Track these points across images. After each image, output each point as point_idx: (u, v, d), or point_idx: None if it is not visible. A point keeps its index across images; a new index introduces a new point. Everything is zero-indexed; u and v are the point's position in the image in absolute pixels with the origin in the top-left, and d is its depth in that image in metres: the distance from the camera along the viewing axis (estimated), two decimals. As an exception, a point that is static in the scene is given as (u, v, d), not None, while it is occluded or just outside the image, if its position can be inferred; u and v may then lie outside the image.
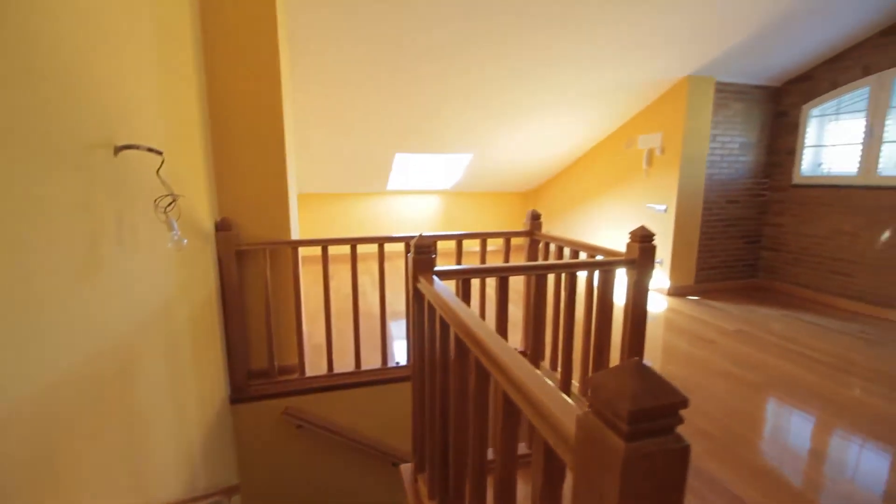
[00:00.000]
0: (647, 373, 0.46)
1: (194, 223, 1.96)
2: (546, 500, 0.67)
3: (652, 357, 3.07)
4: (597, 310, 1.96)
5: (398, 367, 2.69)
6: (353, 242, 2.56)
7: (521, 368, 0.72)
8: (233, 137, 2.34)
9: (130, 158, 1.31)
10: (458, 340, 1.09)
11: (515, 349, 2.58)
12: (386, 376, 2.61)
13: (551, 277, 2.35)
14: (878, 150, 3.79)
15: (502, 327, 1.77)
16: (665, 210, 4.42)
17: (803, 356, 3.03)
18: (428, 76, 3.69)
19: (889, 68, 3.67)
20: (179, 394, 1.70)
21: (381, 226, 6.39)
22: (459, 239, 2.76)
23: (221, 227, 2.27)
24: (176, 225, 1.46)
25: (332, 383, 2.59)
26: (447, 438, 1.34)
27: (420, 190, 6.48)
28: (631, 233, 1.89)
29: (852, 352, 3.09)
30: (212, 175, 2.30)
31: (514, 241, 2.90)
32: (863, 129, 3.88)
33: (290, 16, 2.79)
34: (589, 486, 0.49)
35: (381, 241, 2.58)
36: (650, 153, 4.54)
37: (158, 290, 1.54)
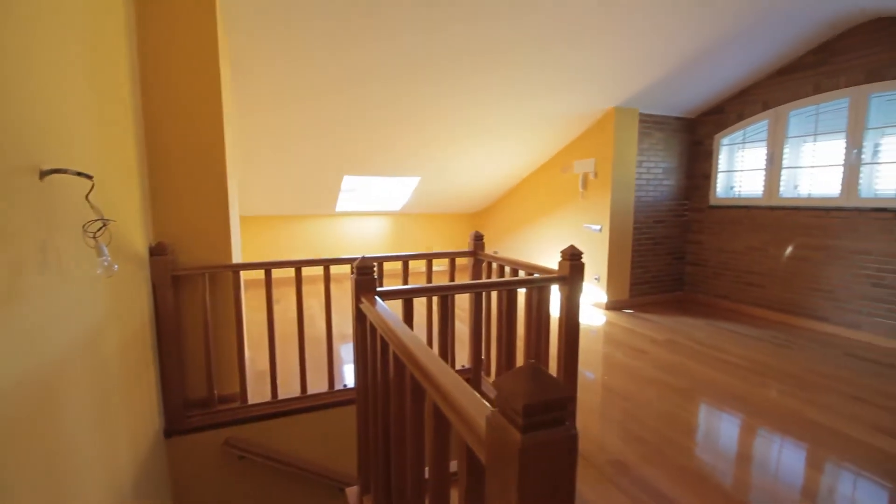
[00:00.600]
0: (539, 373, 0.54)
1: (127, 248, 1.89)
2: (471, 498, 0.73)
3: (592, 368, 3.23)
4: (534, 324, 2.07)
5: (345, 390, 2.67)
6: (298, 265, 2.54)
7: (446, 376, 0.79)
8: (171, 159, 2.30)
9: (58, 183, 1.28)
10: (395, 358, 1.14)
11: (463, 366, 2.64)
12: (333, 400, 2.58)
13: (494, 295, 2.46)
14: (779, 175, 4.28)
15: (445, 345, 1.83)
16: (600, 230, 4.72)
17: (725, 362, 3.31)
18: (374, 102, 3.78)
19: (784, 103, 4.19)
20: (108, 429, 1.61)
21: (330, 248, 6.33)
22: (405, 260, 2.82)
23: (156, 251, 2.20)
24: (106, 250, 1.42)
25: (277, 410, 2.53)
26: (389, 457, 1.37)
27: (369, 212, 6.50)
28: (562, 251, 2.03)
29: (765, 356, 3.42)
30: (147, 198, 2.23)
31: (459, 261, 3.00)
32: (765, 157, 4.37)
33: (232, 37, 2.80)
34: (497, 477, 0.56)
35: (326, 263, 2.59)
36: (585, 177, 4.86)
37: (86, 319, 1.48)
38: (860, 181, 3.72)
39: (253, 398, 2.60)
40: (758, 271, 4.48)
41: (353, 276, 1.64)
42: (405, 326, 1.15)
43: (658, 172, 4.84)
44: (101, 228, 1.43)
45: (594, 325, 4.23)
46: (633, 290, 4.91)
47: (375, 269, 2.36)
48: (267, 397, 2.59)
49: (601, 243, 4.72)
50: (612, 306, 4.76)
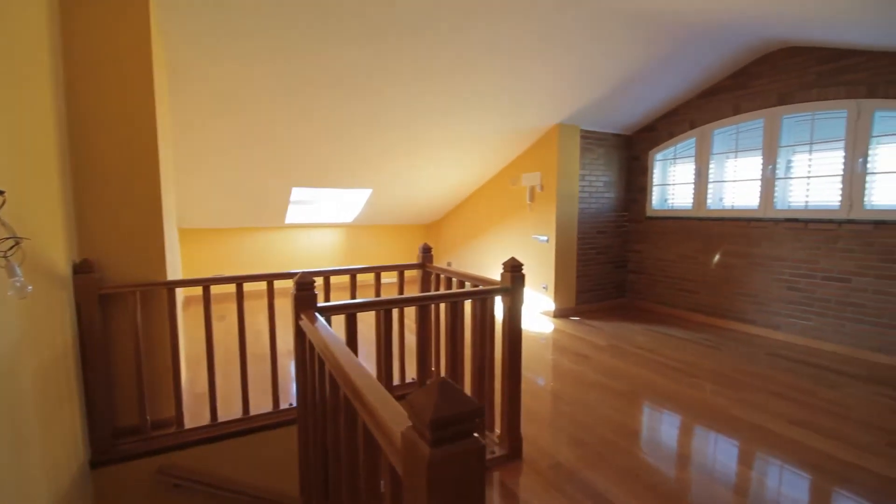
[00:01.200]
0: (448, 389, 0.57)
1: (45, 266, 1.77)
2: (395, 513, 0.74)
3: (540, 375, 3.32)
4: (479, 334, 2.12)
5: (290, 409, 2.60)
6: (239, 281, 2.47)
7: (373, 393, 0.81)
8: (100, 170, 2.18)
9: (-39, 200, 1.19)
10: (331, 376, 1.14)
11: (413, 378, 2.62)
12: (277, 420, 2.51)
13: (443, 307, 2.50)
14: (706, 189, 4.62)
15: (389, 359, 1.83)
16: (547, 240, 4.89)
17: (661, 364, 3.50)
18: (322, 113, 3.75)
19: (708, 123, 4.54)
20: (23, 464, 1.49)
21: (280, 261, 6.16)
22: (353, 273, 2.80)
23: (81, 269, 2.07)
24: (18, 270, 1.32)
25: (217, 433, 2.42)
26: (328, 476, 1.36)
27: (321, 224, 6.39)
28: (504, 263, 2.10)
29: (697, 357, 3.65)
30: (72, 212, 2.10)
31: (409, 273, 3.02)
32: (693, 171, 4.71)
33: (170, 44, 2.71)
34: (411, 489, 0.59)
35: (269, 278, 2.53)
36: (532, 190, 5.03)
37: (-6, 344, 1.37)
38: (775, 194, 4.09)
39: (191, 422, 2.48)
40: (690, 278, 4.79)
41: (294, 292, 1.62)
42: (341, 343, 1.16)
43: (599, 186, 5.10)
44: (13, 247, 1.34)
45: (543, 333, 4.35)
46: (579, 297, 5.11)
47: (321, 283, 2.33)
48: (206, 420, 2.47)
49: (548, 253, 4.89)
50: (560, 314, 4.93)
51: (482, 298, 2.07)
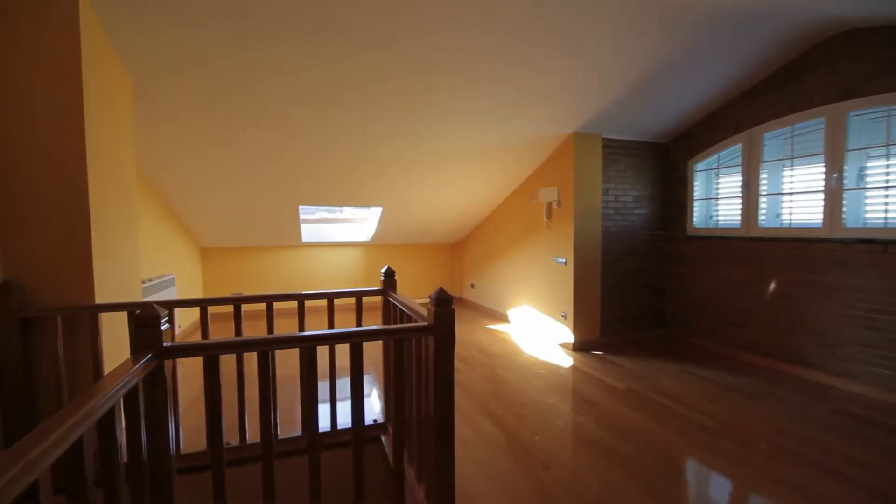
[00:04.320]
0: None
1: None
2: None
3: (534, 424, 2.81)
4: (397, 380, 1.74)
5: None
6: (128, 308, 2.25)
7: None
8: (23, 192, 2.11)
9: None
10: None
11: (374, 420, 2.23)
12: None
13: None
14: (757, 203, 3.87)
15: (266, 407, 1.51)
16: (565, 262, 4.35)
17: (684, 419, 2.85)
18: (320, 128, 3.57)
19: (756, 125, 3.82)
20: None
21: (300, 281, 6.12)
22: (301, 299, 2.53)
23: (-7, 292, 1.97)
24: None
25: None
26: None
27: (339, 243, 6.28)
28: (430, 296, 1.71)
29: (732, 411, 2.94)
30: (-11, 234, 2.03)
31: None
32: (740, 183, 3.98)
33: (133, 69, 2.66)
34: None
35: (203, 304, 2.32)
36: (549, 206, 4.53)
37: None
38: (844, 209, 3.29)
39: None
40: (740, 308, 4.01)
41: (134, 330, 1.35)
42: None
43: (628, 201, 4.48)
44: None
45: (554, 370, 3.80)
46: (605, 328, 4.47)
47: (264, 310, 2.06)
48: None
49: (566, 277, 4.34)
50: (580, 347, 4.33)
51: (398, 339, 1.69)
